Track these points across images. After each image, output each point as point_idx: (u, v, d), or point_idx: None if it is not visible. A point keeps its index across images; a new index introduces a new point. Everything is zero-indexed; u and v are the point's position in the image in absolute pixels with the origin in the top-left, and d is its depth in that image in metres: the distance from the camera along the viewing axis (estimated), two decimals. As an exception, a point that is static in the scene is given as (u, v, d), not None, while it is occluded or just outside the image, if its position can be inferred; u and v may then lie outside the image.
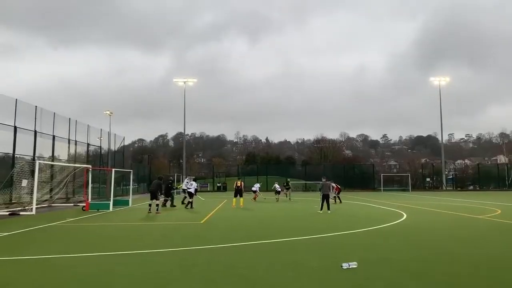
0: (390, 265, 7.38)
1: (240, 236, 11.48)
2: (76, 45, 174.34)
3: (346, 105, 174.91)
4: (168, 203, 22.77)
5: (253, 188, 31.50)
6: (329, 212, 18.57)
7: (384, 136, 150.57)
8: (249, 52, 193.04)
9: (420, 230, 12.65)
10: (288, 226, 14.16)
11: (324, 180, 20.10)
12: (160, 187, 20.09)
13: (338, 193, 26.19)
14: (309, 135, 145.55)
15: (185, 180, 26.83)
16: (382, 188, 55.17)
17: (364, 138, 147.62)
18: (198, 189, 28.77)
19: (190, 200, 22.11)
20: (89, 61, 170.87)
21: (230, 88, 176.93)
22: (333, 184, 26.57)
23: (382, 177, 58.49)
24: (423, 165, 70.21)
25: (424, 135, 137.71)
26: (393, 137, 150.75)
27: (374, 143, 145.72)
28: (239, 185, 23.33)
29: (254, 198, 30.02)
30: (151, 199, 19.46)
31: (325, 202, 19.02)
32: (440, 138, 75.34)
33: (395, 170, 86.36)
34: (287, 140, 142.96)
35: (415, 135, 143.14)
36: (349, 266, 6.96)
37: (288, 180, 33.74)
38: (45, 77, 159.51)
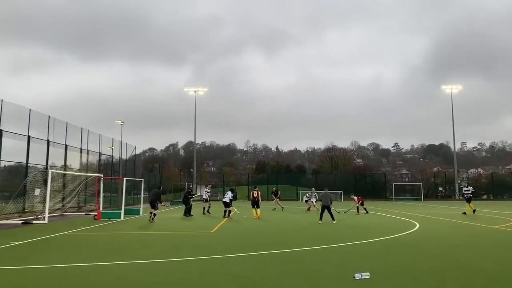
0: (403, 276, 7.29)
1: (251, 245, 11.45)
2: (102, 59, 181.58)
3: (358, 115, 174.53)
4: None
5: (306, 198, 28.97)
6: (334, 222, 18.04)
7: (396, 144, 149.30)
8: (265, 64, 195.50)
9: (433, 240, 12.48)
10: (299, 235, 14.08)
11: (326, 190, 19.93)
12: (158, 196, 20.27)
13: (361, 203, 25.11)
14: (320, 144, 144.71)
15: (205, 190, 26.94)
16: (394, 198, 54.59)
17: (375, 147, 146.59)
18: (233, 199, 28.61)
19: (229, 209, 21.90)
20: (113, 74, 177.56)
21: (244, 99, 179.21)
22: (354, 197, 25.62)
23: (394, 186, 57.91)
24: (435, 174, 69.38)
25: (436, 143, 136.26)
26: (405, 145, 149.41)
27: (386, 152, 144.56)
28: (256, 195, 21.89)
29: (308, 209, 27.72)
30: (151, 208, 19.66)
31: (326, 212, 18.47)
32: (452, 147, 74.42)
33: (407, 179, 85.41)
34: (298, 149, 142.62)
35: (427, 144, 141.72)
36: (361, 276, 6.88)
37: (274, 188, 32.02)
38: (69, 90, 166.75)
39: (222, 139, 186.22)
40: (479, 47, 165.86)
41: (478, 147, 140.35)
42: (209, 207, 24.98)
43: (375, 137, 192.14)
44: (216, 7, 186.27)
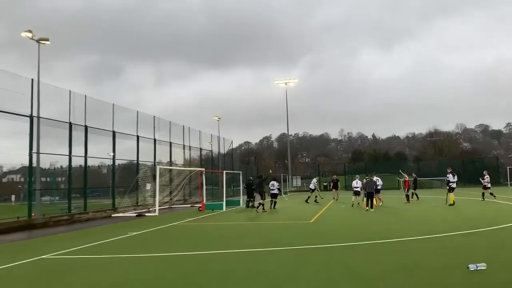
0: (526, 268, 6.58)
1: (352, 236, 11.23)
2: (226, 66, 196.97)
3: (464, 96, 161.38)
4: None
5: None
6: (372, 210, 17.91)
7: (508, 124, 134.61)
8: (377, 57, 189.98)
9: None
10: (400, 226, 13.48)
11: (369, 177, 19.19)
12: (262, 185, 20.71)
13: (408, 190, 22.49)
14: (421, 129, 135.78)
15: (313, 180, 27.98)
16: (509, 183, 49.50)
17: (484, 129, 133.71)
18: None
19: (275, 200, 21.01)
20: (236, 79, 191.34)
21: (353, 91, 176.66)
22: (406, 176, 23.15)
23: (509, 170, 52.42)
24: (559, 155, 61.34)
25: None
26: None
27: (497, 134, 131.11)
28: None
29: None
30: (260, 199, 20.11)
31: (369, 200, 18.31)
32: None
33: (524, 162, 76.85)
34: (396, 135, 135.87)
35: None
36: (476, 267, 6.36)
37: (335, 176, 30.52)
38: (197, 95, 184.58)
39: (315, 130, 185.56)
40: None
41: None
42: (316, 196, 26.37)
43: (484, 118, 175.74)
44: (336, 11, 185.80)
